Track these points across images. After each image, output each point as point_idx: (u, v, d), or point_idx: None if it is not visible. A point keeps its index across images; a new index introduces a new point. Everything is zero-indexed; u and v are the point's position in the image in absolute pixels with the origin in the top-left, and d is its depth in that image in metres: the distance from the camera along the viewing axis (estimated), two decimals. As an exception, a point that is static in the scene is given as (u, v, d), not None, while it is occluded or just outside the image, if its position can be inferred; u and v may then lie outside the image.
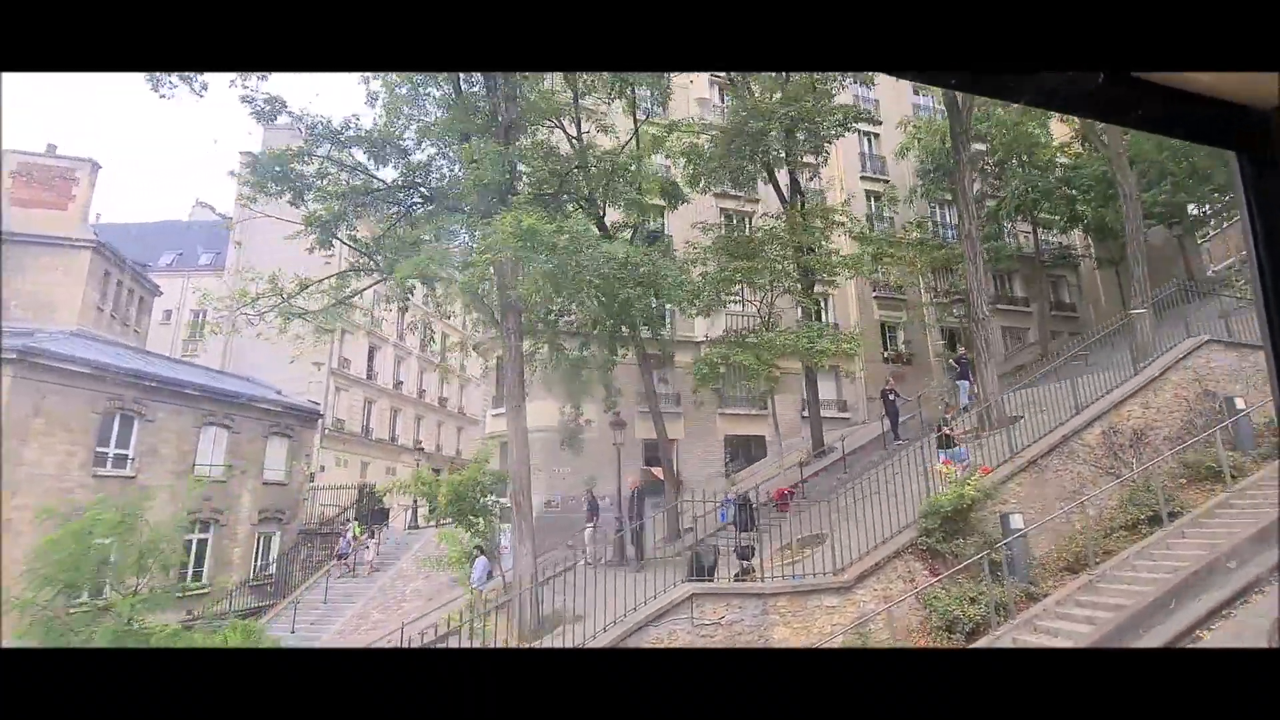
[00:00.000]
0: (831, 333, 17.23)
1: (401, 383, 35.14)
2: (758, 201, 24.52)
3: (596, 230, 13.50)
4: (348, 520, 24.67)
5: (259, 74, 10.98)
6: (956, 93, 17.38)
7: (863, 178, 28.99)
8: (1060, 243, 29.65)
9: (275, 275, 11.32)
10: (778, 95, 17.12)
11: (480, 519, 18.28)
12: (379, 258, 10.75)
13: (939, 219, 29.80)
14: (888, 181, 29.18)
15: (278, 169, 11.00)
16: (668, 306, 24.28)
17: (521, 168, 14.57)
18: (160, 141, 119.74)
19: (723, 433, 24.14)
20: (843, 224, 20.79)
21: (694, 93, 26.81)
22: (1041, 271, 30.23)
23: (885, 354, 27.27)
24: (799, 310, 22.19)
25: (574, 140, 18.26)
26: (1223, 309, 15.60)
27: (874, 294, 27.52)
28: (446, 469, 22.88)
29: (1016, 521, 10.58)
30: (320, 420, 28.22)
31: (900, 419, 19.46)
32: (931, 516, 10.75)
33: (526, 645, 11.77)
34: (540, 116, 14.18)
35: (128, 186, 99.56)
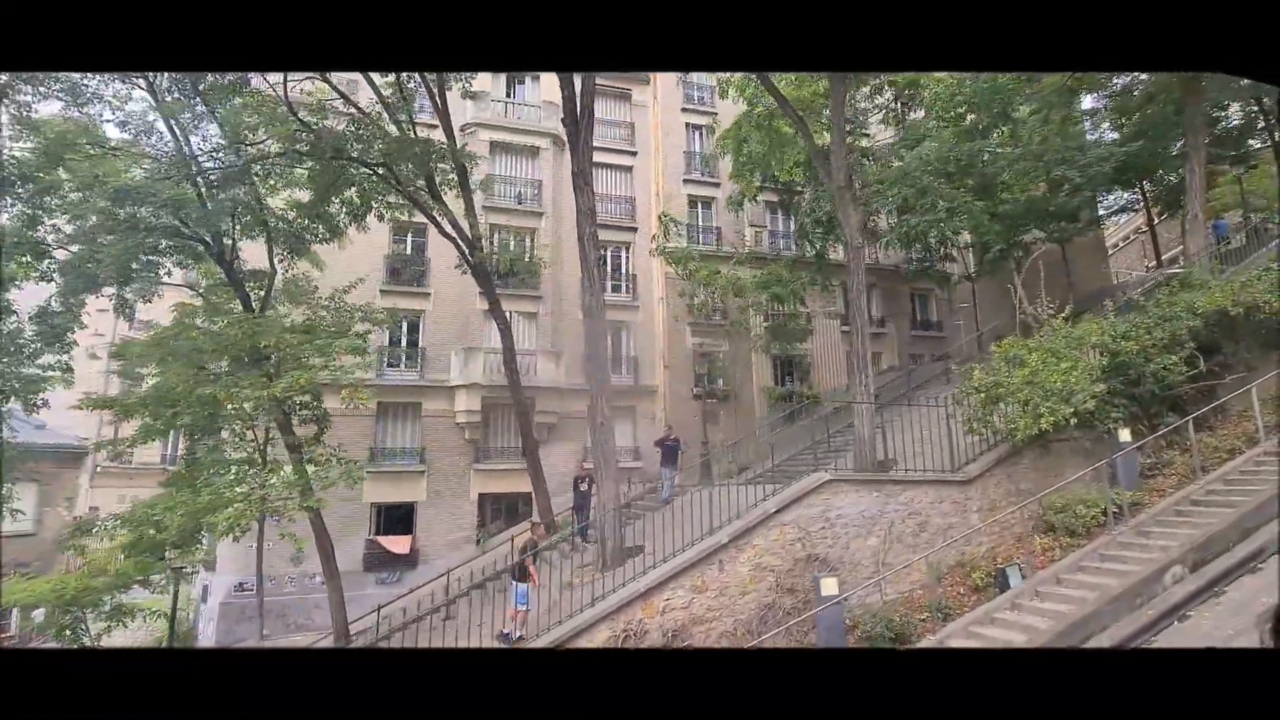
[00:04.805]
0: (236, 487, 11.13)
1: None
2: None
3: None
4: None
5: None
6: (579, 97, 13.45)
7: (686, 180, 24.95)
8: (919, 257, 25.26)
9: None
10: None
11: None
12: None
13: (779, 228, 25.66)
14: (717, 185, 25.16)
15: None
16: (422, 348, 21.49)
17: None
18: None
19: (477, 491, 21.19)
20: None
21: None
22: (903, 287, 26.09)
23: (696, 390, 23.67)
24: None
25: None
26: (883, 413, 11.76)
27: (689, 320, 23.72)
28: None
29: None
30: (89, 456, 26.20)
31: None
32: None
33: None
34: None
35: None
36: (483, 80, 23.31)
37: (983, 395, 10.77)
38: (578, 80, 13.18)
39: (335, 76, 15.36)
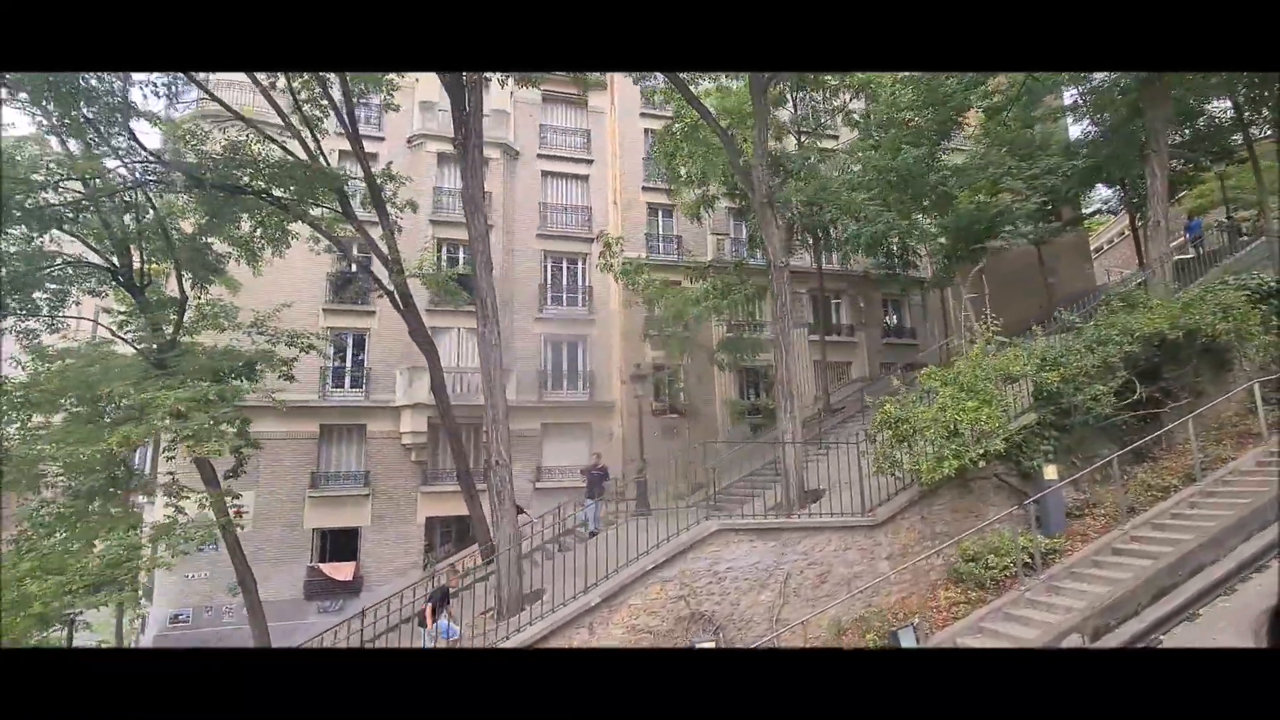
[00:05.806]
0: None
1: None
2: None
3: None
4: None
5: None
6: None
7: (646, 187, 24.12)
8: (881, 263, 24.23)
9: None
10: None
11: None
12: None
13: (743, 235, 24.75)
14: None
15: None
16: (367, 368, 20.92)
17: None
18: None
19: (424, 515, 20.64)
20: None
21: (419, 93, 22.46)
22: (875, 293, 25.10)
23: (655, 404, 22.90)
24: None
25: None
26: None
27: (646, 332, 22.93)
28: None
29: None
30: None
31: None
32: None
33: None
34: None
35: None
36: (430, 90, 22.69)
37: (890, 432, 9.94)
38: (474, 88, 12.53)
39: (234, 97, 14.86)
